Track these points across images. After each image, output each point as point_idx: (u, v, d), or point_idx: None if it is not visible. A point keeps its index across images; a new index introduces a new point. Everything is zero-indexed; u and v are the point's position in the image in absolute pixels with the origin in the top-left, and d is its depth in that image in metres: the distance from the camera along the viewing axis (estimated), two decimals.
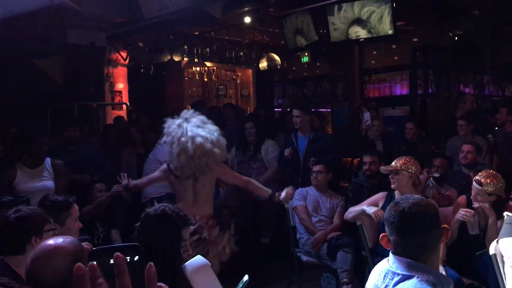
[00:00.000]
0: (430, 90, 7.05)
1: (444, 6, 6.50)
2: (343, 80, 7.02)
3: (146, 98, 8.46)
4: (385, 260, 1.89)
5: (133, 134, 5.96)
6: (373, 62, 8.17)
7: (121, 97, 8.50)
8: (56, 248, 1.43)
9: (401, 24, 6.22)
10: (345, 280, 3.92)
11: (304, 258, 4.41)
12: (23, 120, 6.48)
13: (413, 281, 1.70)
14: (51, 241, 1.48)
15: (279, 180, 5.46)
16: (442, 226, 1.80)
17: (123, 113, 8.35)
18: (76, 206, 2.86)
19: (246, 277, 2.20)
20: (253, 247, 5.15)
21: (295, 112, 5.26)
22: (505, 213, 2.92)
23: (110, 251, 1.00)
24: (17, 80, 7.05)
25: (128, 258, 1.01)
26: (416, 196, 1.87)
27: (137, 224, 2.29)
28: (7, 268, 2.22)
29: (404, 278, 1.72)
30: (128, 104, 8.38)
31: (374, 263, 3.70)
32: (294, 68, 8.89)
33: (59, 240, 1.48)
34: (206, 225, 3.69)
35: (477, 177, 3.57)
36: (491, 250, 2.95)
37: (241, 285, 2.22)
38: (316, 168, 4.58)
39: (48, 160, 4.12)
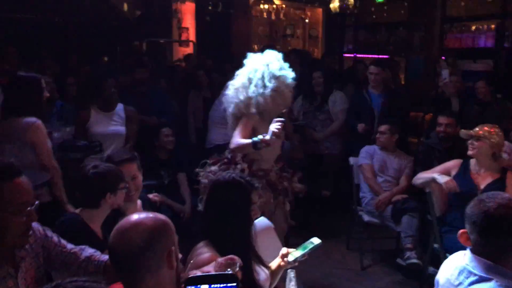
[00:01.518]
0: None
1: None
2: (422, 28, 6.53)
3: (213, 36, 8.36)
4: (460, 254, 1.80)
5: (199, 77, 5.95)
6: (455, 9, 7.50)
7: (188, 34, 8.48)
8: (135, 223, 1.46)
9: None
10: (408, 245, 3.86)
11: (366, 217, 4.35)
12: (95, 58, 6.62)
13: (491, 284, 1.63)
14: (135, 216, 1.50)
15: (344, 136, 5.34)
16: None
17: (189, 50, 8.36)
18: (131, 166, 2.68)
19: (317, 240, 2.23)
20: (314, 199, 5.16)
21: (373, 69, 5.03)
22: None
23: (206, 279, 1.05)
24: (88, 13, 7.16)
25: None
26: (504, 195, 1.75)
27: (205, 194, 2.31)
28: (83, 223, 2.34)
29: (481, 280, 1.66)
30: (195, 41, 8.35)
31: (441, 233, 3.62)
32: (370, 9, 8.35)
33: (142, 215, 1.50)
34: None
35: None
36: None
37: (310, 245, 2.25)
38: (381, 128, 4.40)
39: (121, 106, 4.20)
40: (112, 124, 4.09)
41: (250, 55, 3.58)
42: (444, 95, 5.07)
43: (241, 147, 3.30)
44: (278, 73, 3.41)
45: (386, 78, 5.27)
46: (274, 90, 3.36)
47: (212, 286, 1.05)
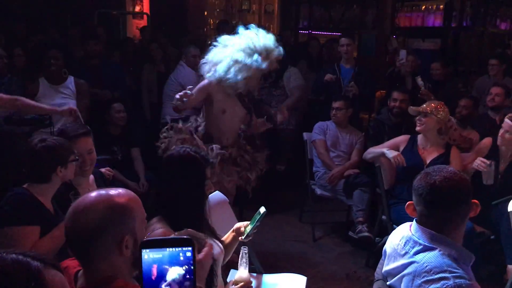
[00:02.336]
0: (464, 23, 6.66)
1: None
2: (374, 6, 6.64)
3: (167, 9, 8.17)
4: (407, 225, 1.89)
5: (153, 51, 5.83)
6: None
7: (142, 6, 8.26)
8: (89, 206, 1.40)
9: None
10: (360, 219, 4.00)
11: (319, 191, 4.48)
12: (44, 28, 6.34)
13: (434, 253, 1.70)
14: (93, 195, 1.44)
15: (299, 111, 5.41)
16: (472, 201, 1.77)
17: (143, 22, 8.15)
18: (86, 140, 2.64)
19: (263, 209, 2.25)
20: (268, 173, 5.22)
21: (344, 40, 5.07)
22: None
23: (162, 242, 1.06)
24: None
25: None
26: (450, 168, 1.81)
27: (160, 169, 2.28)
28: (33, 199, 2.28)
29: (426, 249, 1.73)
30: (149, 14, 8.14)
31: (388, 205, 3.79)
32: None
33: (102, 195, 1.44)
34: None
35: (510, 114, 3.53)
36: (510, 207, 2.95)
37: (258, 217, 2.27)
38: (335, 104, 4.50)
39: (71, 78, 4.07)
40: (61, 98, 3.99)
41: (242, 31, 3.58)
42: (399, 73, 5.24)
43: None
44: (267, 58, 3.47)
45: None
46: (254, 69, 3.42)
47: (168, 249, 1.06)
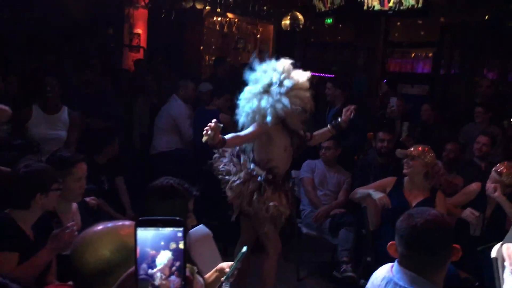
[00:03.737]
0: (453, 71, 6.86)
1: None
2: (366, 51, 6.84)
3: (164, 44, 8.33)
4: (388, 266, 1.89)
5: (148, 82, 5.90)
6: (396, 34, 7.92)
7: (139, 40, 8.41)
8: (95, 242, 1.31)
9: None
10: (345, 259, 3.99)
11: (305, 230, 4.46)
12: (41, 55, 6.40)
13: None
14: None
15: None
16: (454, 246, 1.77)
17: (140, 56, 8.27)
18: (83, 166, 2.68)
19: (244, 249, 2.22)
20: None
21: (329, 85, 5.29)
22: None
23: (156, 222, 1.09)
24: (36, 9, 6.93)
25: None
26: (433, 211, 1.82)
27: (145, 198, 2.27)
28: (13, 223, 2.26)
29: None
30: (146, 48, 8.27)
31: (374, 246, 3.78)
32: (315, 28, 8.66)
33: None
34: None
35: (497, 167, 3.58)
36: (493, 253, 2.96)
37: (239, 256, 2.24)
38: (325, 143, 4.56)
39: (65, 109, 4.08)
40: (54, 129, 3.97)
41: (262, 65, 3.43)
42: (389, 117, 5.39)
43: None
44: (289, 77, 3.33)
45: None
46: (289, 93, 3.27)
47: (161, 229, 1.10)
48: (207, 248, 2.78)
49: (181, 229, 1.11)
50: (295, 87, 3.31)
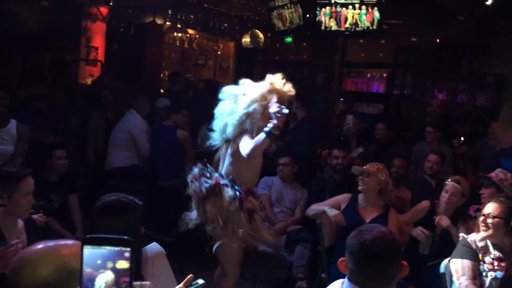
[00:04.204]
0: (406, 92, 7.12)
1: (431, 8, 6.51)
2: (323, 70, 7.00)
3: (123, 59, 8.23)
4: (339, 282, 1.91)
5: (106, 97, 5.80)
6: (352, 55, 8.16)
7: (97, 53, 8.26)
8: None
9: (388, 20, 6.22)
10: (300, 275, 4.00)
11: (261, 247, 4.44)
12: None
13: None
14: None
15: None
16: (402, 262, 1.81)
17: (97, 70, 8.13)
18: (30, 180, 2.59)
19: (201, 281, 2.18)
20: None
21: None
22: (461, 234, 3.01)
23: (103, 240, 1.08)
24: None
25: None
26: (382, 228, 1.85)
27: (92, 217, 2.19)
28: None
29: None
30: (104, 62, 8.14)
31: (329, 262, 3.81)
32: (279, 47, 8.82)
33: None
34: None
35: (454, 178, 3.71)
36: (442, 268, 3.05)
37: (194, 286, 2.21)
38: (282, 160, 4.59)
39: (13, 123, 3.94)
40: (1, 143, 3.83)
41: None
42: (346, 135, 5.52)
43: (257, 146, 3.10)
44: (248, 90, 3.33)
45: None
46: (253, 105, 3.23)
47: (108, 248, 1.08)
48: (160, 267, 2.72)
49: (128, 248, 1.10)
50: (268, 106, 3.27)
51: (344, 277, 1.93)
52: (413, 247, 3.74)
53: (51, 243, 1.31)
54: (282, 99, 3.36)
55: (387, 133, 5.68)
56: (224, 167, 3.39)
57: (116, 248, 1.09)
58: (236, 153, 3.29)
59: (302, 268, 4.03)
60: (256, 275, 4.45)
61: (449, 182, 3.73)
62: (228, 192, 3.21)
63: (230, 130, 3.31)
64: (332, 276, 3.70)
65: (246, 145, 3.16)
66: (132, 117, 5.22)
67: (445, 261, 3.06)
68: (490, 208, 2.86)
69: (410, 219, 3.92)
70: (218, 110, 3.42)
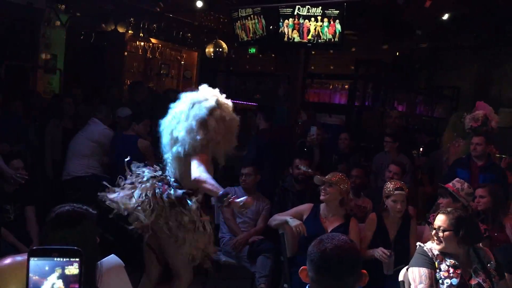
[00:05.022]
0: (366, 103, 7.26)
1: (391, 23, 6.70)
2: (286, 81, 7.07)
3: (83, 67, 8.05)
4: None
5: (68, 105, 5.65)
6: (315, 66, 8.31)
7: (56, 62, 8.06)
8: None
9: (349, 33, 6.36)
10: (262, 285, 3.99)
11: (223, 258, 4.41)
12: None
13: None
14: None
15: None
16: (362, 271, 1.82)
17: (56, 78, 7.93)
18: None
19: None
20: None
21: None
22: (417, 243, 3.06)
23: (50, 251, 1.08)
24: None
25: None
26: (343, 237, 1.85)
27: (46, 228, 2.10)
28: None
29: None
30: (62, 70, 7.95)
31: (291, 273, 3.81)
32: (242, 58, 8.86)
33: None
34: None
35: (397, 185, 3.79)
36: (401, 277, 3.11)
37: None
38: (244, 170, 4.59)
39: None
40: None
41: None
42: (309, 144, 5.58)
43: (207, 187, 2.98)
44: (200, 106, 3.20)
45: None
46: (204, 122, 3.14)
47: (56, 259, 1.08)
48: (117, 280, 2.65)
49: (77, 259, 1.09)
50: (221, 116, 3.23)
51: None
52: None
53: (19, 258, 1.32)
54: (230, 124, 3.28)
55: (350, 143, 5.78)
56: (172, 170, 3.37)
57: (65, 259, 1.08)
58: (185, 167, 3.21)
59: (264, 279, 4.02)
60: (219, 286, 4.40)
61: (396, 192, 3.78)
62: (190, 203, 3.18)
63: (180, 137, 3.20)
64: (294, 286, 3.71)
65: (197, 173, 3.04)
66: (94, 126, 5.15)
67: (404, 269, 3.11)
68: (439, 221, 2.91)
69: (368, 237, 3.88)
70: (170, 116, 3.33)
